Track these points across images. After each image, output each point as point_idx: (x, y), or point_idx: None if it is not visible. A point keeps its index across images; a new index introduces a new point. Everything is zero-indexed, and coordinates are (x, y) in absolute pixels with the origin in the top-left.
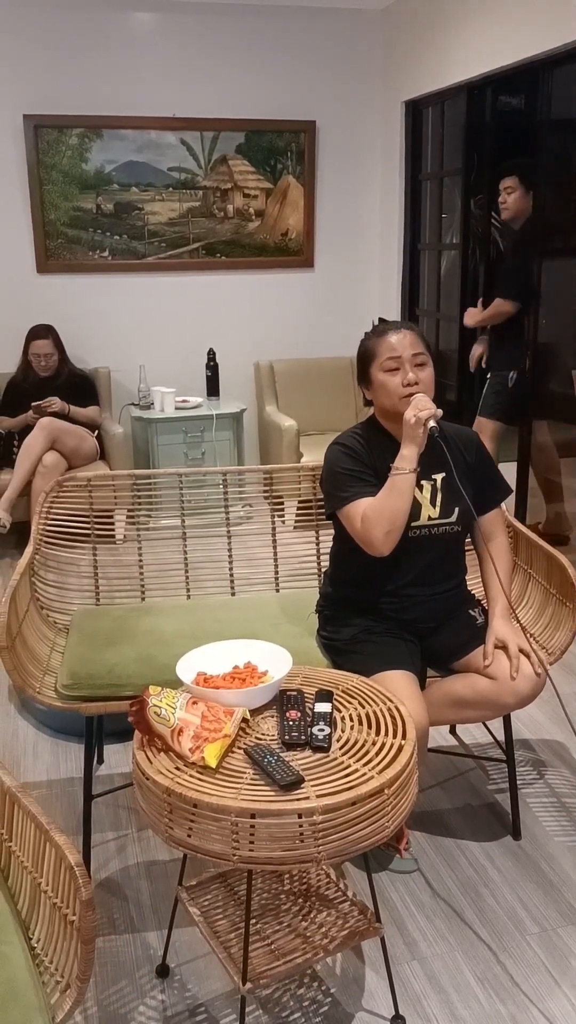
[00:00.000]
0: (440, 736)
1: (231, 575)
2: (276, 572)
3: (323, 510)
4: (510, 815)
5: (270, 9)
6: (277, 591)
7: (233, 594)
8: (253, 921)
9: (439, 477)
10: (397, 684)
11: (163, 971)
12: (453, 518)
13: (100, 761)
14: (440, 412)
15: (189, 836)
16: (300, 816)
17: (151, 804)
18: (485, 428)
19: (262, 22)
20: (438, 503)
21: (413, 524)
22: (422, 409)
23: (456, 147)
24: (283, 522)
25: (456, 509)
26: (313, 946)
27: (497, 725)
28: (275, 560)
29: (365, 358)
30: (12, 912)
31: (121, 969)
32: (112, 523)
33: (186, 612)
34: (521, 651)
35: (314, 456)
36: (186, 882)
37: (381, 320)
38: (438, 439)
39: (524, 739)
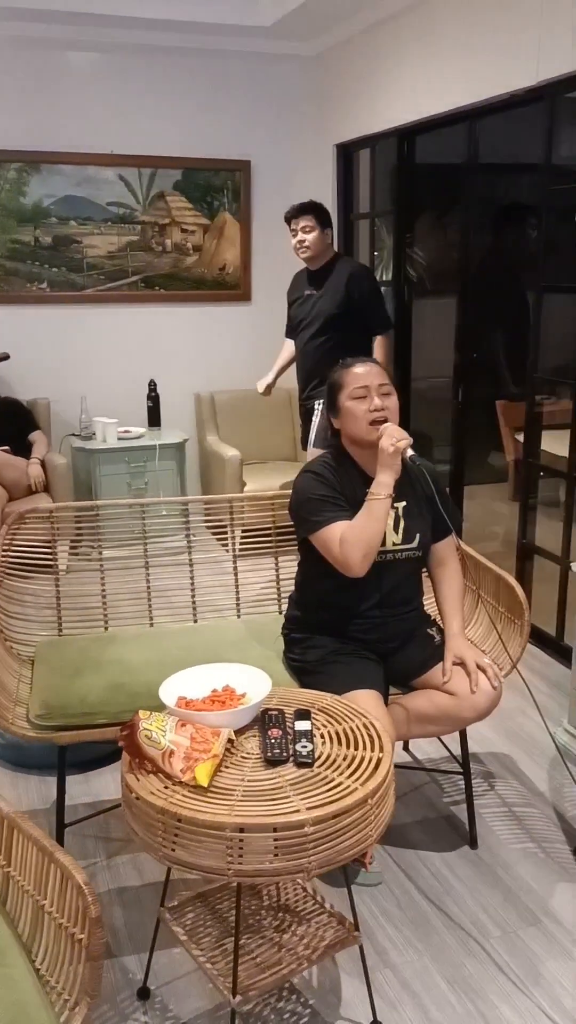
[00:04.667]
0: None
1: (193, 602)
2: (237, 598)
3: (267, 538)
4: (467, 825)
5: (208, 52)
6: (238, 617)
7: (195, 621)
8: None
9: (400, 505)
10: (365, 703)
11: (144, 993)
12: (414, 544)
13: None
14: (411, 440)
15: (184, 854)
16: (291, 829)
17: (144, 824)
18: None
19: (200, 64)
20: (400, 530)
21: (379, 549)
22: (399, 439)
23: (387, 189)
24: (226, 550)
25: (417, 535)
26: (296, 957)
27: (450, 739)
28: (236, 586)
29: (334, 388)
30: (14, 936)
31: (101, 994)
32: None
33: (151, 640)
34: (478, 666)
35: (256, 485)
36: (169, 903)
37: (342, 360)
38: (418, 465)
39: (474, 753)
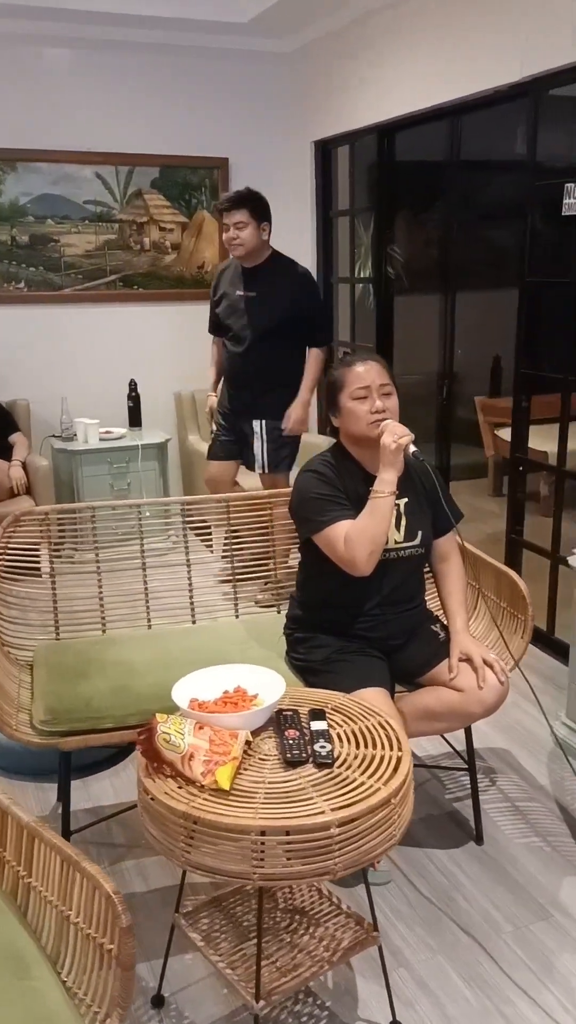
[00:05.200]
0: None
1: (191, 603)
2: (235, 598)
3: (265, 537)
4: (471, 822)
5: (184, 49)
6: (236, 617)
7: (194, 622)
8: (254, 941)
9: (402, 502)
10: (374, 700)
11: (158, 1001)
12: (417, 541)
13: (60, 798)
14: (413, 436)
15: (206, 858)
16: (317, 831)
17: (165, 830)
18: (280, 484)
19: (177, 61)
20: (403, 527)
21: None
22: (401, 436)
23: (366, 186)
24: (211, 551)
25: (419, 532)
26: (317, 959)
27: (451, 735)
28: (234, 587)
29: (334, 387)
30: (38, 948)
31: None
32: (64, 556)
33: (151, 642)
34: (485, 662)
35: (246, 484)
36: (182, 910)
37: (347, 352)
38: (421, 461)
39: (473, 748)
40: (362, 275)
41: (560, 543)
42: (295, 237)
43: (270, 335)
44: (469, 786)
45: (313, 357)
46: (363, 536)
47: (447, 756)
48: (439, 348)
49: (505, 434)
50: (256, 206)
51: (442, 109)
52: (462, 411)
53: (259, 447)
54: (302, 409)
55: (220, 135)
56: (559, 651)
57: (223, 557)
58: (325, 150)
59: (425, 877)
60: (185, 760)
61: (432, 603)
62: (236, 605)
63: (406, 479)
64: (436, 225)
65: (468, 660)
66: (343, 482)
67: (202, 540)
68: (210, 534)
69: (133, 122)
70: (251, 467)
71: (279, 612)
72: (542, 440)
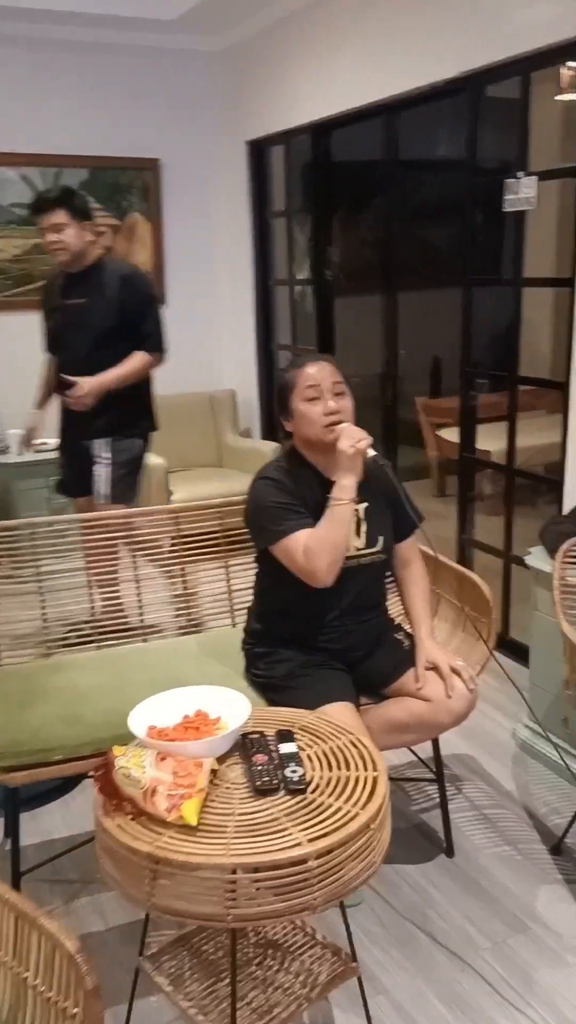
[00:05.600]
0: None
1: (142, 621)
2: (188, 613)
3: (216, 548)
4: (441, 833)
5: (110, 46)
6: (190, 633)
7: (145, 640)
8: (226, 981)
9: (362, 507)
10: (340, 717)
11: None
12: (378, 547)
13: (8, 834)
14: (371, 440)
15: (175, 901)
16: (294, 864)
17: (127, 873)
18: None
19: (103, 59)
20: (363, 534)
21: None
22: (359, 439)
23: (302, 186)
24: (155, 565)
25: (380, 538)
26: (294, 997)
27: (421, 746)
28: (186, 601)
29: (285, 390)
30: None
31: None
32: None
33: (100, 664)
34: (452, 669)
35: (184, 494)
36: (146, 951)
37: (296, 353)
38: (381, 465)
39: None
40: (300, 276)
41: (512, 542)
42: (231, 239)
43: (103, 344)
44: (436, 796)
45: (135, 356)
46: (323, 545)
47: (411, 766)
48: (382, 349)
49: (447, 434)
50: (74, 204)
51: (378, 106)
52: (403, 412)
53: (102, 473)
54: (95, 385)
55: (150, 135)
56: (514, 651)
57: (170, 575)
58: (259, 150)
59: (397, 894)
60: (147, 795)
61: (394, 609)
62: (189, 620)
63: (364, 483)
64: (374, 225)
65: (434, 668)
66: (299, 489)
67: (150, 554)
68: (159, 545)
69: (60, 122)
70: (96, 496)
71: (234, 625)
72: (484, 439)
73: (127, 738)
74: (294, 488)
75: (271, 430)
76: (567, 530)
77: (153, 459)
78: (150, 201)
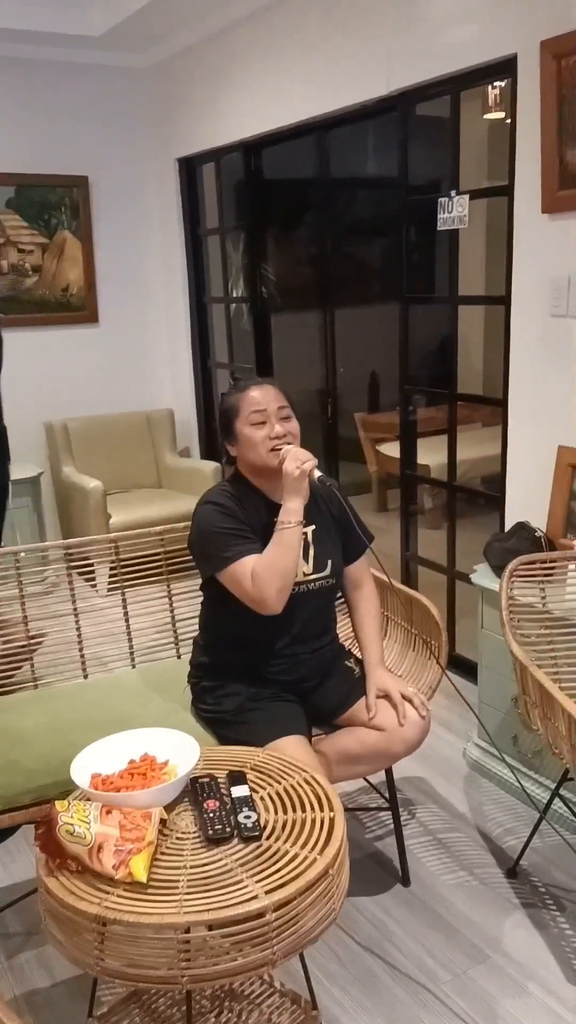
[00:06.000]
0: None
1: (82, 655)
2: (131, 646)
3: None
4: (396, 862)
5: (38, 63)
6: (133, 667)
7: (85, 677)
8: None
9: (309, 530)
10: (293, 751)
11: None
12: (327, 571)
13: None
14: (316, 461)
15: (125, 965)
16: (251, 919)
17: (75, 936)
18: None
19: (29, 75)
20: (311, 557)
21: None
22: (304, 460)
23: (235, 204)
24: (95, 589)
25: (329, 562)
26: None
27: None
28: (128, 634)
29: (229, 414)
30: None
31: None
32: None
33: (38, 704)
34: (403, 697)
35: (123, 517)
36: (96, 1010)
37: (236, 377)
38: (328, 485)
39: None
40: (235, 294)
41: (456, 557)
42: (164, 257)
43: None
44: (390, 823)
45: None
46: (271, 571)
47: (363, 792)
48: (321, 366)
49: (386, 449)
50: None
51: (310, 124)
52: (342, 428)
53: None
54: None
55: (79, 152)
56: (462, 667)
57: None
58: (190, 167)
59: (354, 930)
60: (93, 852)
61: (344, 631)
62: (132, 653)
63: (311, 505)
64: (309, 242)
65: (385, 696)
66: (246, 514)
67: (85, 579)
68: (93, 574)
69: None
70: None
71: (179, 657)
72: (423, 454)
73: (69, 784)
74: (241, 513)
75: (211, 449)
76: (512, 547)
77: (90, 482)
78: (80, 219)
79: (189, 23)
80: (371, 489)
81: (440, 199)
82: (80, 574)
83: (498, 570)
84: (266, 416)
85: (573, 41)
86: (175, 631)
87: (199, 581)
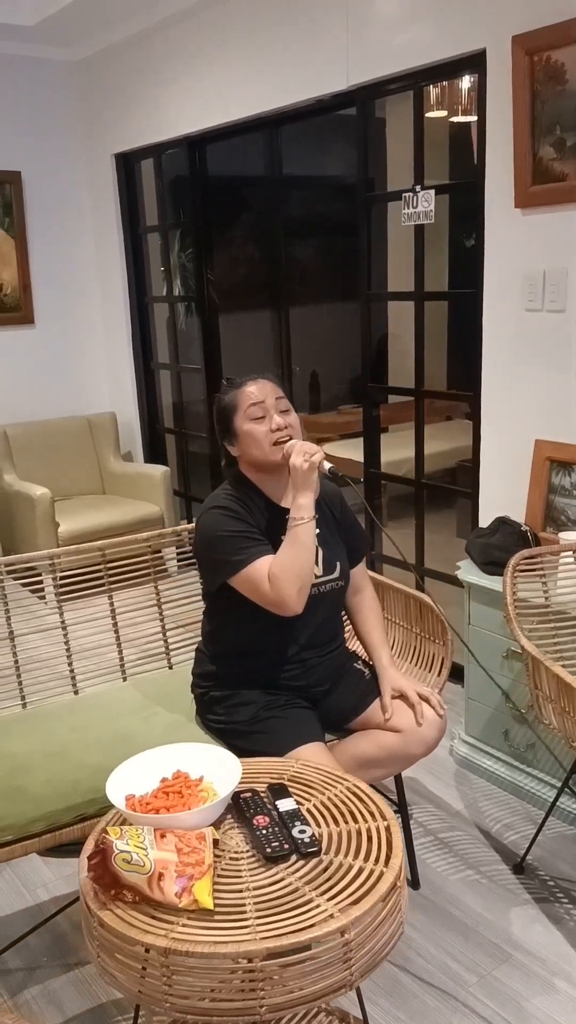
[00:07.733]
0: None
1: (71, 670)
2: (121, 658)
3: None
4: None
5: None
6: (124, 680)
7: (76, 692)
8: None
9: (316, 533)
10: (316, 758)
11: None
12: (336, 573)
13: None
14: (324, 453)
15: (198, 1000)
16: (330, 941)
17: (137, 974)
18: None
19: None
20: (320, 559)
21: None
22: (312, 453)
23: (178, 201)
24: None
25: (338, 564)
26: None
27: None
28: (118, 645)
29: (226, 412)
30: None
31: None
32: None
33: (32, 725)
34: (420, 696)
35: (71, 525)
36: None
37: (228, 378)
38: (341, 476)
39: (384, 784)
40: (176, 293)
41: (424, 555)
42: (103, 255)
43: None
44: None
45: None
46: (288, 571)
47: None
48: (275, 366)
49: (331, 449)
50: None
51: (259, 120)
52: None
53: None
54: None
55: (10, 147)
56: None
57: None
58: (128, 163)
59: None
60: (154, 881)
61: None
62: (123, 665)
63: (320, 505)
64: (255, 240)
65: (401, 696)
66: (252, 516)
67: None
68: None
69: None
70: None
71: (171, 667)
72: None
73: (82, 808)
74: (247, 515)
75: (155, 453)
76: (497, 542)
77: (36, 489)
78: (13, 216)
79: (125, 16)
80: None
81: (404, 194)
82: (31, 591)
83: (485, 566)
84: (265, 409)
85: (546, 36)
86: (165, 641)
87: (184, 585)
